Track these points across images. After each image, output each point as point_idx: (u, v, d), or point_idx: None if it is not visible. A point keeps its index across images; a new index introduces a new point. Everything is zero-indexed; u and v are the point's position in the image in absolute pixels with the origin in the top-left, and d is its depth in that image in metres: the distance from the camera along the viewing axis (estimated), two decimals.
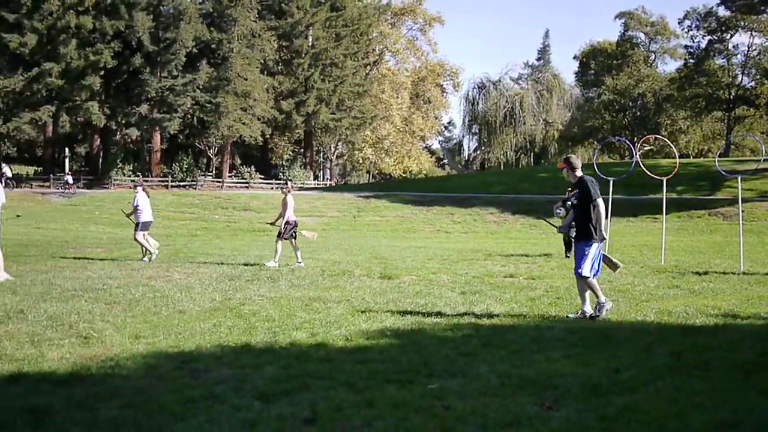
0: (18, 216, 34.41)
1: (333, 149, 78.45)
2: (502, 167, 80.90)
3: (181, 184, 56.80)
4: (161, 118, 54.88)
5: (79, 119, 58.22)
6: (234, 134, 57.32)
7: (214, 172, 66.10)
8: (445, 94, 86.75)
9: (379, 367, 6.18)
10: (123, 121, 56.36)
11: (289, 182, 18.22)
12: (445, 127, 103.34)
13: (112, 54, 52.38)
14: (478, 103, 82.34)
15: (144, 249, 16.11)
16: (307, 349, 6.93)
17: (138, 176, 55.29)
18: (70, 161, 75.15)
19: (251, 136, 57.34)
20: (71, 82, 51.92)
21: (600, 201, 8.56)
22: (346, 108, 64.65)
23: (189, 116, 58.67)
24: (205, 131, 59.77)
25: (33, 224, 31.43)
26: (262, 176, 62.23)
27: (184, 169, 58.55)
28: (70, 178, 52.54)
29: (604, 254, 8.97)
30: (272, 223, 16.37)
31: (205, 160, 68.95)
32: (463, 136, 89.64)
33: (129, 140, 61.30)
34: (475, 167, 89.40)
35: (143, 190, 16.58)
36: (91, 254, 17.49)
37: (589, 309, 8.72)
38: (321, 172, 79.42)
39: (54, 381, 5.75)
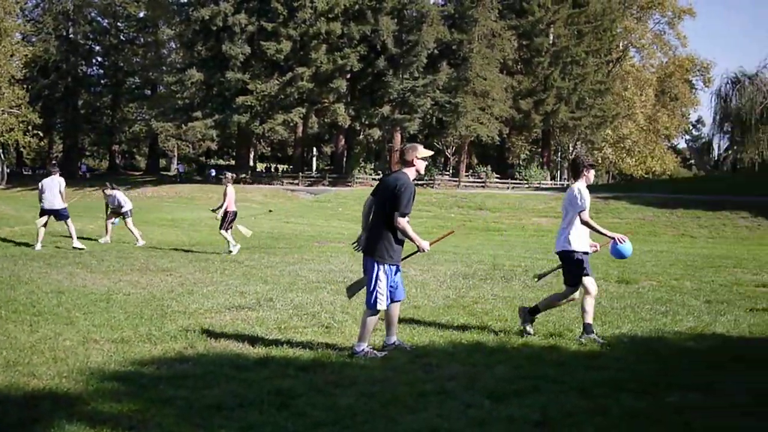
0: (270, 211, 37.12)
1: (571, 149, 76.71)
2: (756, 168, 74.82)
3: (419, 183, 58.18)
4: (402, 119, 56.56)
5: (326, 120, 61.43)
6: (472, 134, 57.82)
7: (451, 171, 67.11)
8: (694, 90, 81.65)
9: (613, 375, 5.97)
10: (366, 122, 58.80)
11: (228, 173, 18.28)
12: (693, 126, 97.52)
13: (358, 57, 54.85)
14: (731, 100, 76.32)
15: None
16: (540, 351, 6.85)
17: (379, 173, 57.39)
18: (317, 160, 79.81)
19: (488, 136, 57.55)
20: (320, 85, 55.06)
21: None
22: (586, 107, 62.88)
23: (428, 116, 59.91)
24: (443, 131, 60.81)
25: (282, 219, 33.66)
26: (498, 176, 62.21)
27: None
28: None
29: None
30: (213, 210, 17.61)
31: (442, 160, 70.20)
32: (713, 135, 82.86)
33: (371, 140, 63.63)
34: (726, 168, 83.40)
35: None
36: (333, 249, 18.40)
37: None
38: (558, 171, 77.96)
39: (298, 366, 6.13)
